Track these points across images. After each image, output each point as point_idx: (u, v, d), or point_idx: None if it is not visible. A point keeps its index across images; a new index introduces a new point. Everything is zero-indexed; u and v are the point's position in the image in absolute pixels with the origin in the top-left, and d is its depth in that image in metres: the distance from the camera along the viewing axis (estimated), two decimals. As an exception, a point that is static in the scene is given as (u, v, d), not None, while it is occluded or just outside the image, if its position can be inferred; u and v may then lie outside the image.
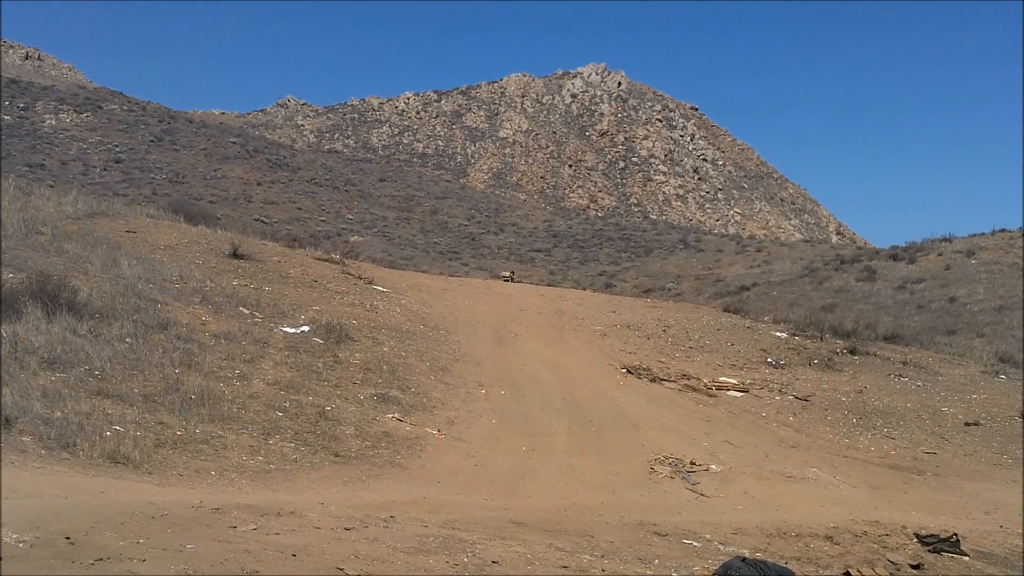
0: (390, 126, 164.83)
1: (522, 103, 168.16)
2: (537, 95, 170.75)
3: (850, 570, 10.80)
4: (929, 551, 12.53)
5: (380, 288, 26.18)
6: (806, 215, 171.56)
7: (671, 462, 16.24)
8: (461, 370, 20.22)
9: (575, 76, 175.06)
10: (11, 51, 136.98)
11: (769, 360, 25.57)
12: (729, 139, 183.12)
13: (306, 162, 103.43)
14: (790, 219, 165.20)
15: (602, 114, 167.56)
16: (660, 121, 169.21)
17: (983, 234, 59.76)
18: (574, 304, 30.43)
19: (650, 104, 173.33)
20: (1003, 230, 59.99)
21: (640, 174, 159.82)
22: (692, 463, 16.32)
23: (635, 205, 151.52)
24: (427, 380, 18.98)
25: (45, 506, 8.38)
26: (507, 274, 48.16)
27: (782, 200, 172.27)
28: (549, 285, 45.35)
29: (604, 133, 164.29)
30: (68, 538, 7.26)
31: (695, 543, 11.81)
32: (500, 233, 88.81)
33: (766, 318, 31.56)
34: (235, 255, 24.22)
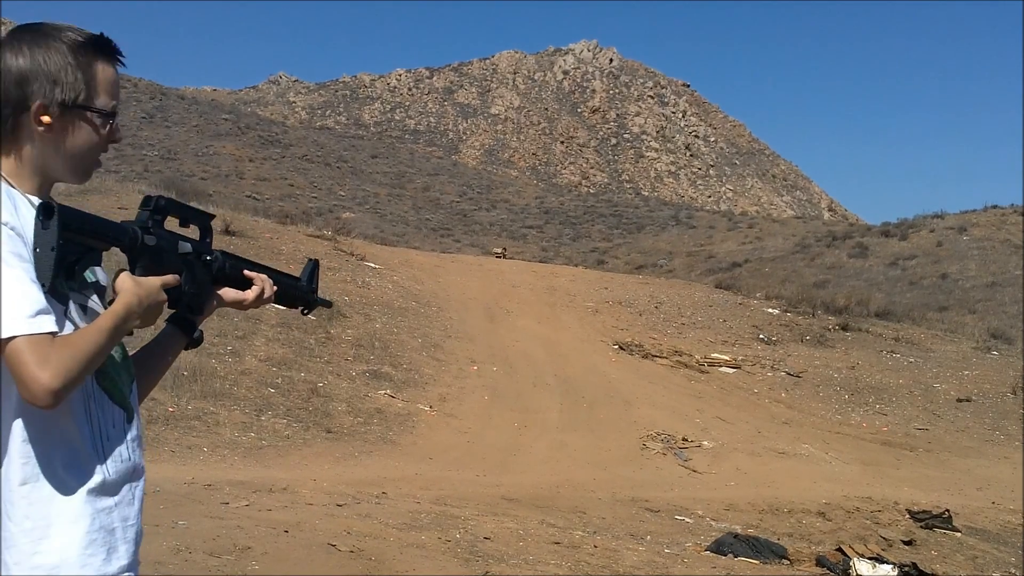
0: (382, 103, 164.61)
1: (514, 80, 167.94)
2: (529, 72, 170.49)
3: (842, 546, 10.81)
4: (921, 527, 12.56)
5: (372, 265, 26.13)
6: (798, 191, 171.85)
7: (663, 438, 16.24)
8: (453, 347, 20.20)
9: (567, 53, 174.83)
10: (1, 27, 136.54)
11: (761, 336, 25.59)
12: (721, 116, 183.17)
13: (298, 139, 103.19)
14: (782, 196, 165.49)
15: (594, 91, 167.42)
16: (652, 98, 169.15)
17: (975, 211, 59.79)
18: (566, 280, 30.40)
19: (642, 81, 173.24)
20: (995, 206, 60.02)
21: (632, 151, 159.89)
22: (684, 439, 16.33)
23: (627, 182, 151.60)
24: (419, 356, 18.96)
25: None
26: (499, 251, 48.09)
27: (774, 177, 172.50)
28: (541, 262, 45.28)
29: (596, 110, 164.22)
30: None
31: (687, 519, 11.83)
32: (492, 210, 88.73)
33: (758, 294, 31.53)
34: (227, 232, 24.12)
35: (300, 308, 2.82)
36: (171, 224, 2.37)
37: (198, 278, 2.41)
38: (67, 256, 2.07)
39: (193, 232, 2.45)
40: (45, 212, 2.03)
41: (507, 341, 21.49)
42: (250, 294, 2.54)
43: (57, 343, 1.96)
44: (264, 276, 2.57)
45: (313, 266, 2.87)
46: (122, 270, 2.22)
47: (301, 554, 7.57)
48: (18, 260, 1.98)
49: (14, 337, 1.91)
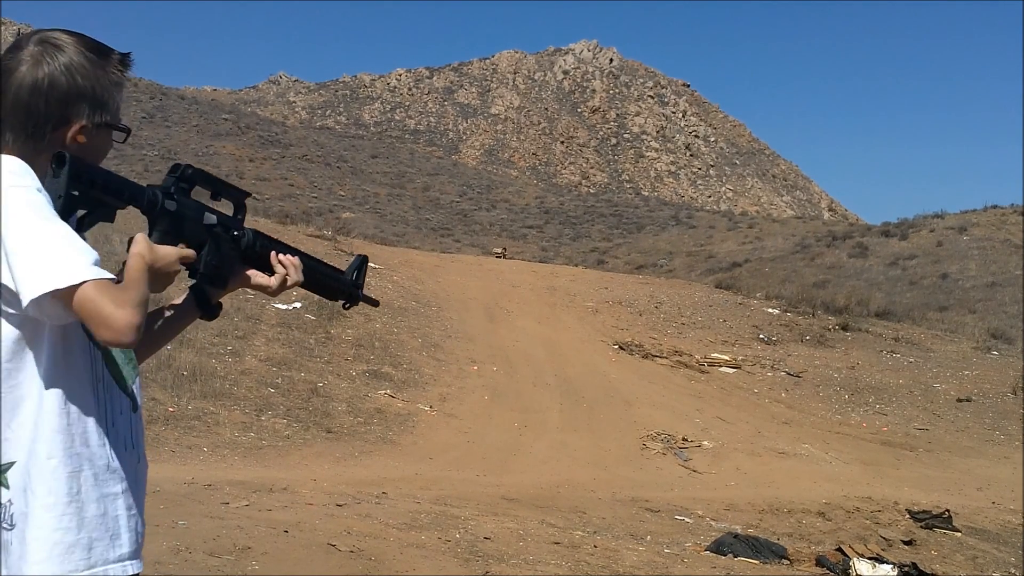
0: (382, 103, 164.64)
1: (514, 80, 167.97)
2: (529, 72, 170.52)
3: (842, 546, 10.81)
4: (921, 527, 12.56)
5: (372, 264, 26.10)
6: (798, 191, 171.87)
7: (663, 438, 16.24)
8: (453, 346, 20.19)
9: (567, 53, 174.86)
10: (2, 28, 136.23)
11: (761, 336, 25.58)
12: (721, 115, 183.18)
13: (298, 139, 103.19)
14: (782, 195, 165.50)
15: (594, 91, 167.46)
16: (652, 98, 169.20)
17: (975, 210, 59.81)
18: (566, 280, 30.40)
19: (642, 81, 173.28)
20: (995, 206, 60.04)
21: (632, 151, 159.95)
22: (684, 439, 16.32)
23: (627, 182, 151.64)
24: (419, 356, 18.95)
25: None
26: (499, 251, 48.10)
27: (774, 176, 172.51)
28: (541, 262, 45.26)
29: (596, 110, 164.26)
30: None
31: (687, 519, 11.82)
32: (492, 210, 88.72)
33: (758, 294, 31.53)
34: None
35: (342, 302, 2.79)
36: (203, 197, 2.37)
37: (223, 251, 2.39)
38: (76, 207, 2.09)
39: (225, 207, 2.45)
40: (58, 161, 2.06)
41: (507, 341, 21.48)
42: (273, 281, 2.50)
43: (120, 286, 2.00)
44: (291, 260, 2.52)
45: (360, 261, 2.82)
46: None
47: (301, 554, 7.57)
48: (58, 217, 2.02)
49: (84, 283, 1.93)
